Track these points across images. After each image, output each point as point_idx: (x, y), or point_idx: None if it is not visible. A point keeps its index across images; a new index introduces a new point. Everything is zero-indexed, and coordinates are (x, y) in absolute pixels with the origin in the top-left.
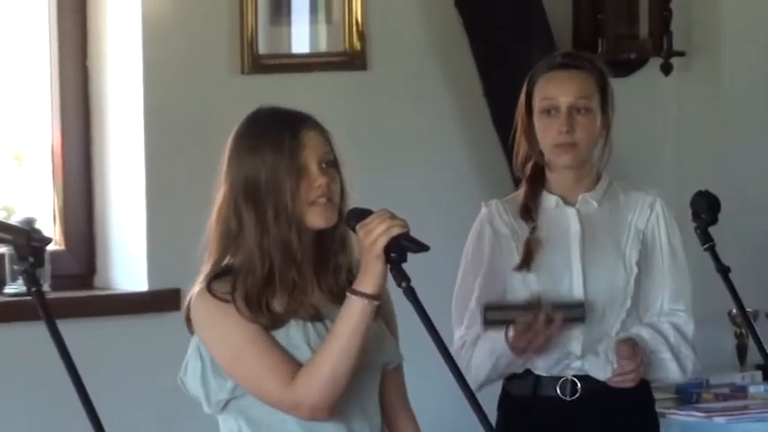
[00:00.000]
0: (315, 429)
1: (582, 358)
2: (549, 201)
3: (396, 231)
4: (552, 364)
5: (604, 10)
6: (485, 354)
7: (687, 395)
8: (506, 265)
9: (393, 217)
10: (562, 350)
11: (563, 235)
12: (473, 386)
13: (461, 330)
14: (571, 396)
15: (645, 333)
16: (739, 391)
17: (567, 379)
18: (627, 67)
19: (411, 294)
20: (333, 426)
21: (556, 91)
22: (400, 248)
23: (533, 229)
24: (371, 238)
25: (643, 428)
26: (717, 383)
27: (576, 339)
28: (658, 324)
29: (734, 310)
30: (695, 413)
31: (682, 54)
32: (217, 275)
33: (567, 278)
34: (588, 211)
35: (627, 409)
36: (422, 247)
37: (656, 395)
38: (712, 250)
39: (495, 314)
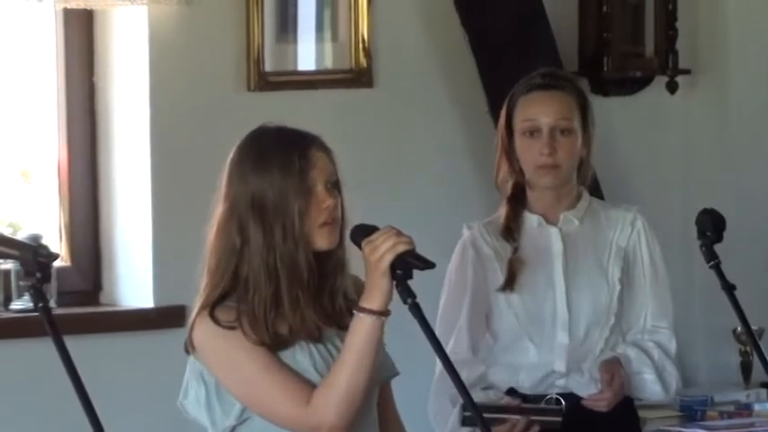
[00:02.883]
0: None
1: (566, 376)
2: (531, 220)
3: (402, 248)
4: (537, 382)
5: (610, 28)
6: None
7: (692, 413)
8: (491, 287)
9: (399, 234)
10: (547, 368)
11: (545, 254)
12: None
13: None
14: None
15: (631, 353)
16: (744, 409)
17: (551, 397)
18: (632, 86)
19: (416, 311)
20: None
21: (537, 112)
22: (406, 265)
23: (516, 250)
24: (377, 255)
25: None
26: (721, 401)
27: (559, 358)
28: (642, 343)
29: (739, 328)
30: (700, 431)
31: (687, 72)
32: (218, 300)
33: (551, 297)
34: (570, 229)
35: (612, 426)
36: (428, 265)
37: (662, 413)
38: (717, 268)
39: (473, 416)
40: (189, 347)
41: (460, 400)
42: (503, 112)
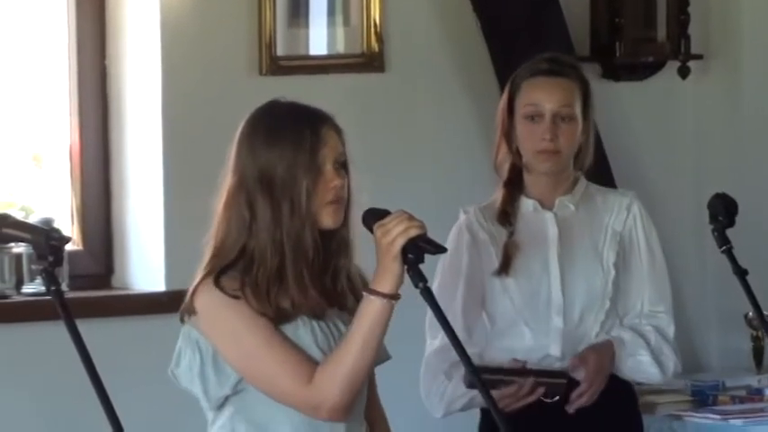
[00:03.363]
0: (311, 429)
1: (562, 360)
2: (527, 205)
3: (413, 232)
4: (534, 365)
5: (622, 13)
6: (462, 390)
7: (703, 397)
8: (486, 271)
9: (411, 218)
10: (542, 352)
11: (541, 239)
12: (441, 412)
13: (437, 338)
14: (552, 398)
15: (625, 335)
16: (756, 394)
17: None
18: (644, 71)
19: (428, 295)
20: (330, 425)
21: (540, 97)
22: (417, 249)
23: (511, 234)
24: (389, 239)
25: (626, 428)
26: (733, 386)
27: (555, 342)
28: (639, 326)
29: (751, 313)
30: (711, 415)
31: (699, 57)
32: (223, 270)
33: (546, 282)
34: (565, 214)
35: (610, 409)
36: (439, 249)
37: (673, 398)
38: (729, 252)
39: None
40: (186, 315)
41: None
42: (504, 94)
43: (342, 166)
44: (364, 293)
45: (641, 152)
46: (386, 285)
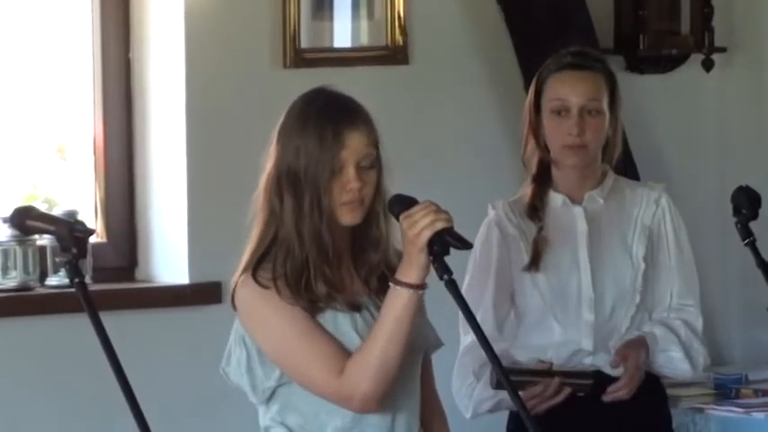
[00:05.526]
0: (359, 419)
1: (593, 354)
2: (556, 200)
3: (440, 226)
4: (565, 360)
5: (646, 6)
6: (490, 392)
7: (726, 391)
8: (515, 266)
9: (438, 210)
10: (574, 347)
11: (570, 233)
12: (469, 413)
13: (470, 334)
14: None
15: (657, 331)
16: None
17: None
18: (668, 64)
19: (453, 287)
20: (378, 415)
21: (567, 92)
22: (443, 243)
23: (540, 229)
24: (415, 231)
25: (655, 423)
26: (756, 379)
27: (586, 336)
28: (669, 321)
29: None
30: (734, 408)
31: (723, 50)
32: (260, 259)
33: (576, 276)
34: (594, 208)
35: (639, 403)
36: (465, 245)
37: (696, 391)
38: (753, 245)
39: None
40: (234, 308)
41: (490, 367)
42: (531, 89)
43: (369, 167)
44: (390, 284)
45: (665, 145)
46: (411, 276)
